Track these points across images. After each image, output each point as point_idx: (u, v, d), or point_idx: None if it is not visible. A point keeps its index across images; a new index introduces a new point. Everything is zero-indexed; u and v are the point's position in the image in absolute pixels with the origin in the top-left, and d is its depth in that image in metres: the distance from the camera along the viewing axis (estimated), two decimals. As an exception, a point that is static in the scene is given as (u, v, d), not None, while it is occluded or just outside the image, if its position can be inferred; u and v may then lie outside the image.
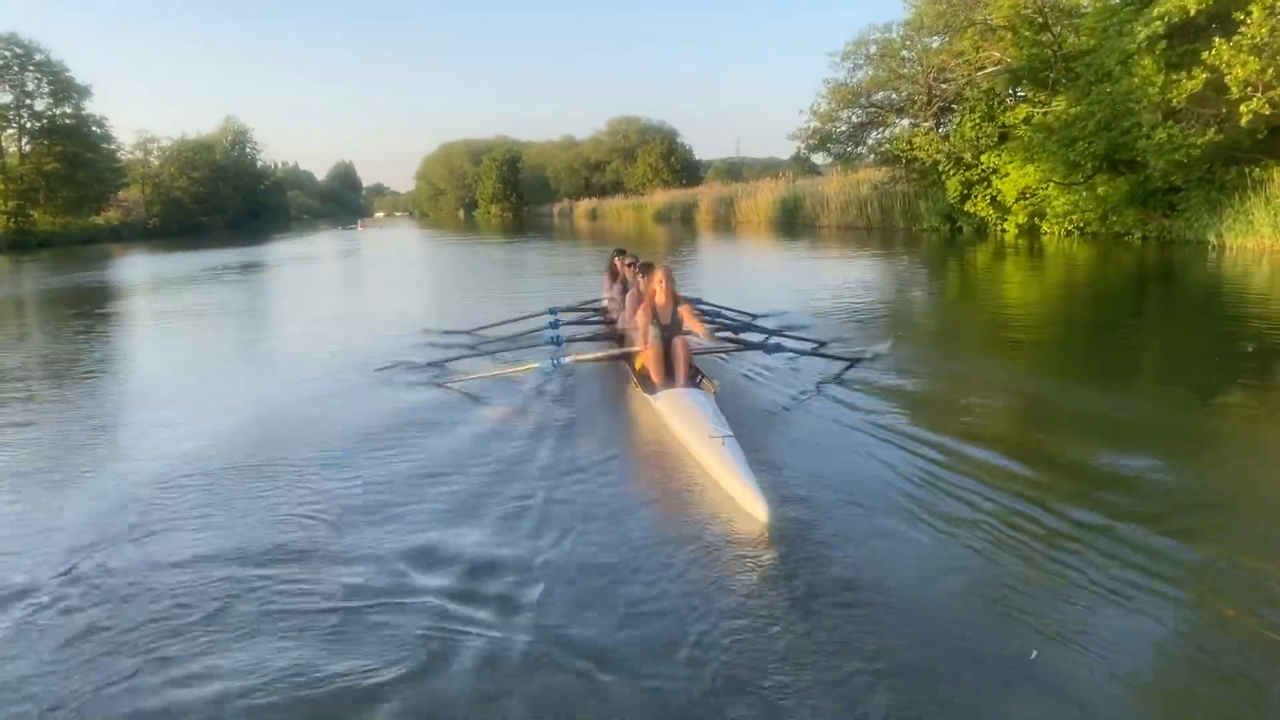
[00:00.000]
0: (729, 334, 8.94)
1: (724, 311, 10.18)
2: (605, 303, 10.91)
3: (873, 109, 30.35)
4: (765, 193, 45.93)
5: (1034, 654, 3.20)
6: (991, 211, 27.39)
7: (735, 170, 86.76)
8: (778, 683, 3.08)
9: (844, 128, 31.33)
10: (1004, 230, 27.56)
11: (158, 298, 20.06)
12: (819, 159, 36.34)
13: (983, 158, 26.69)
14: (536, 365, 7.73)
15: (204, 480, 5.50)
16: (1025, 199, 25.66)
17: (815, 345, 8.71)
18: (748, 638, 3.37)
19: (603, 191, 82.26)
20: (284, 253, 39.21)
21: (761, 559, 4.11)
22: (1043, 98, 25.09)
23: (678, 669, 3.19)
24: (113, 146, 60.14)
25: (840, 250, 27.40)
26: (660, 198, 65.17)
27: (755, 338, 8.73)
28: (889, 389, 7.52)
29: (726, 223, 49.48)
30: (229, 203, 78.60)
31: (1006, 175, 26.22)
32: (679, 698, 3.02)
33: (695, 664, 3.21)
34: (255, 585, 3.95)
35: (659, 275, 7.28)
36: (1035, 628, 3.38)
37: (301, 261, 33.35)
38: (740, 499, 4.61)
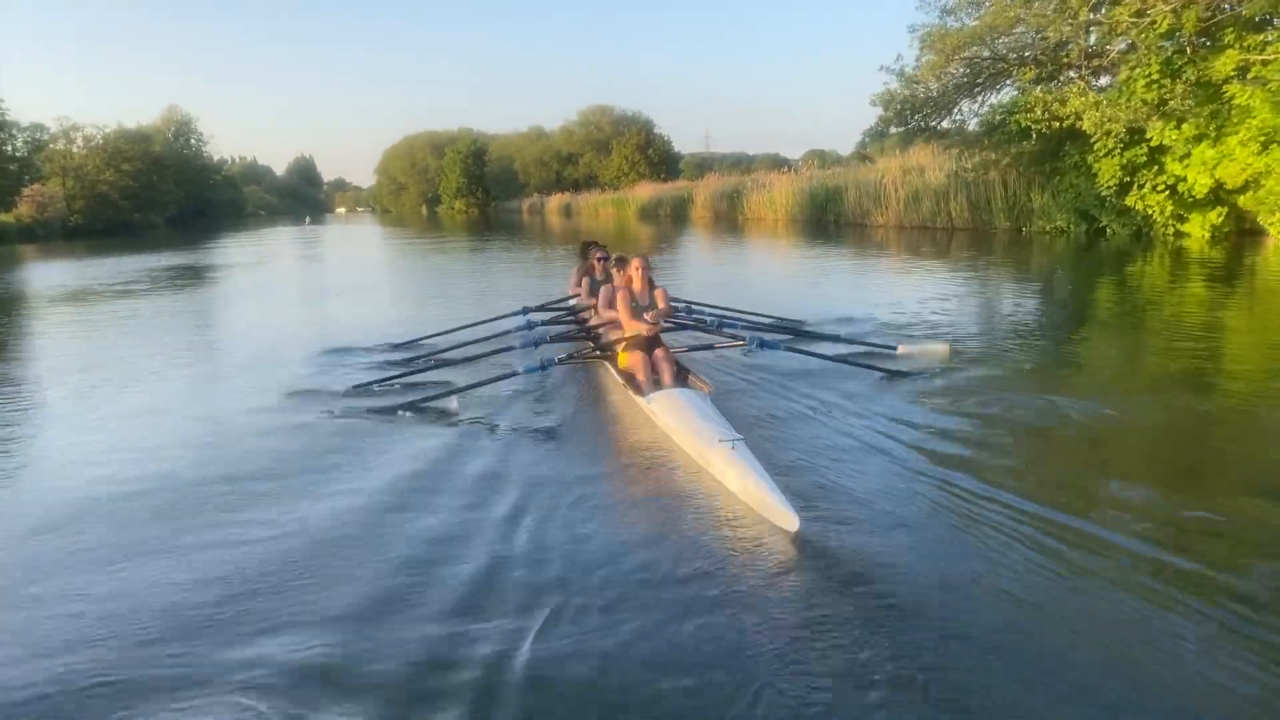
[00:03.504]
0: (709, 331, 7.87)
1: (705, 308, 9.04)
2: (574, 300, 9.57)
3: (992, 63, 19.83)
4: (783, 184, 35.59)
5: None
6: (1170, 206, 17.60)
7: (705, 164, 78.52)
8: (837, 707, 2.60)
9: (932, 91, 20.89)
10: (1180, 233, 17.88)
11: None
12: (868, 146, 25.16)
13: (1152, 131, 16.90)
14: (521, 369, 6.68)
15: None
16: (1245, 188, 15.97)
17: (801, 340, 7.97)
18: (798, 662, 2.87)
19: (575, 186, 71.44)
20: (208, 261, 28.14)
21: (801, 573, 3.51)
22: (1260, 39, 15.46)
23: (726, 694, 2.69)
24: (20, 134, 50.07)
25: (925, 258, 17.55)
26: (645, 191, 54.34)
27: (738, 336, 7.40)
28: (898, 392, 6.43)
29: (731, 220, 39.14)
30: (169, 198, 66.86)
31: (1187, 157, 16.62)
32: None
33: (743, 689, 2.72)
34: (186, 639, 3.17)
35: (635, 263, 6.75)
36: (1090, 645, 2.93)
37: (211, 277, 22.50)
38: (763, 508, 3.98)
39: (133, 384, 8.19)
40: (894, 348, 7.72)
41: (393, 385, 7.09)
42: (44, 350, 10.92)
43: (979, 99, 21.32)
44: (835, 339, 8.17)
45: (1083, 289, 13.36)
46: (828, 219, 31.27)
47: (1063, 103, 17.95)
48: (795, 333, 8.32)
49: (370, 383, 7.10)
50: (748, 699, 2.67)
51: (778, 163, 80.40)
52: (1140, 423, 5.67)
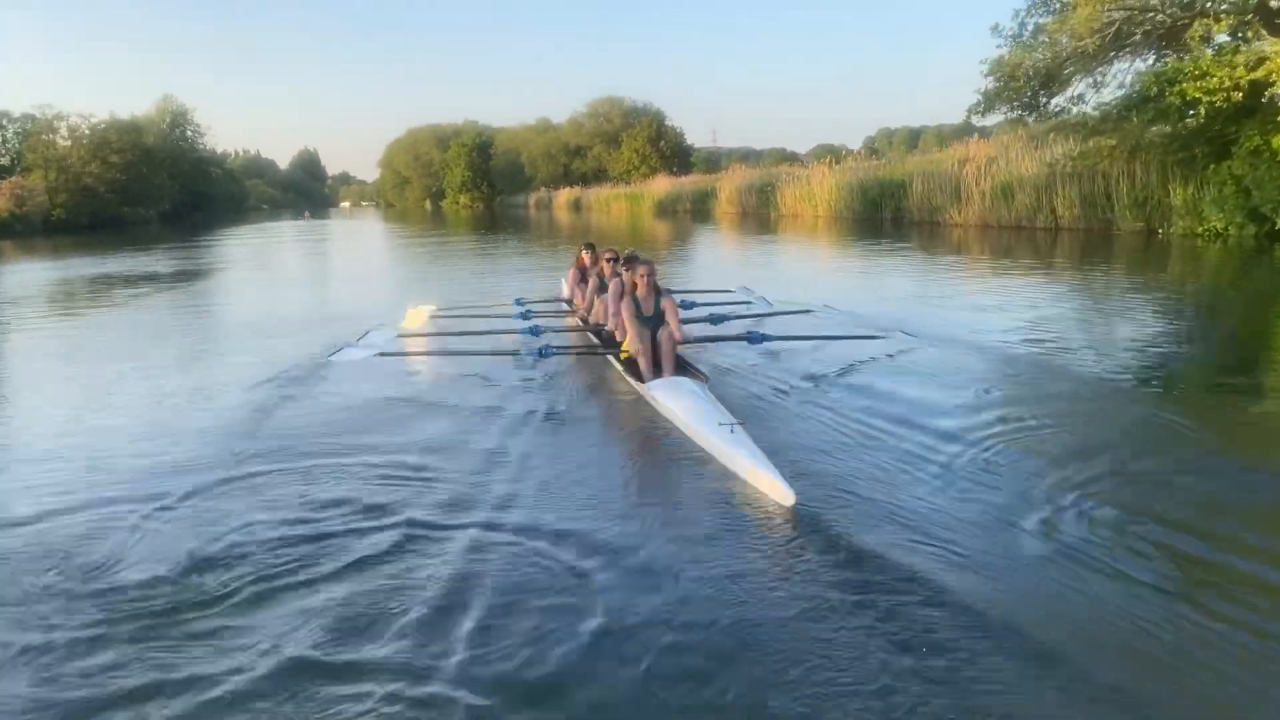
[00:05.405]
0: (707, 325, 7.86)
1: (703, 300, 9.04)
2: (569, 296, 9.59)
3: (1147, 18, 14.70)
4: (824, 177, 30.56)
5: None
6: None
7: (714, 159, 74.01)
8: (834, 677, 2.56)
9: (1043, 60, 15.89)
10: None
11: None
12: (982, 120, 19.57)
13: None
14: (523, 351, 6.68)
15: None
16: None
17: (796, 326, 7.99)
18: (791, 625, 2.87)
19: (584, 180, 66.35)
20: (172, 266, 23.19)
21: (796, 544, 3.53)
22: None
23: (723, 660, 2.68)
24: (11, 124, 45.75)
25: (1045, 269, 12.67)
26: (661, 185, 49.08)
27: (737, 329, 7.65)
28: (881, 373, 6.48)
29: (762, 217, 34.10)
30: (162, 191, 61.89)
31: None
32: (724, 693, 2.51)
33: (740, 655, 2.70)
34: (207, 602, 3.12)
35: (641, 270, 6.37)
36: (1076, 619, 2.86)
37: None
38: (762, 485, 4.07)
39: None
40: (885, 333, 7.52)
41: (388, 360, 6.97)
42: None
43: (1108, 69, 16.32)
44: (827, 323, 8.17)
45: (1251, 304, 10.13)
46: (883, 216, 26.30)
47: (1252, 66, 13.03)
48: (788, 312, 8.51)
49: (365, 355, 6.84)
50: (750, 665, 2.63)
51: (785, 157, 76.28)
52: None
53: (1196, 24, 14.00)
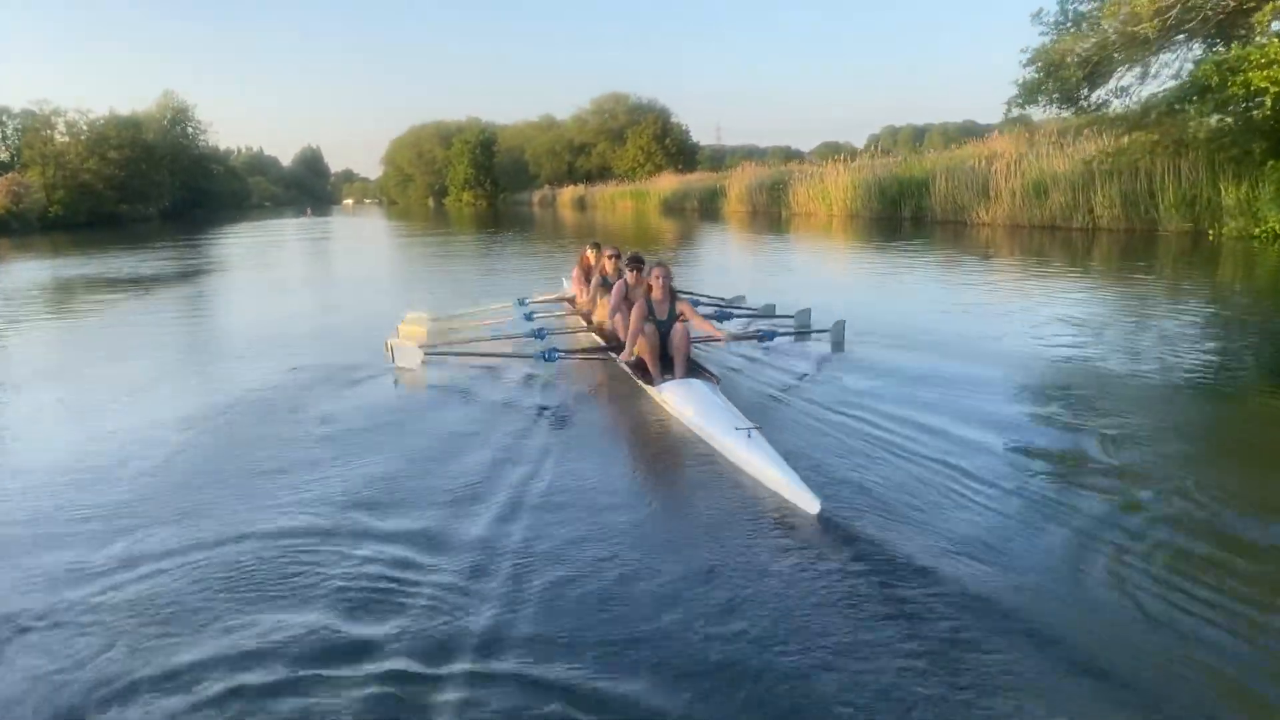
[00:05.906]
0: (715, 323, 7.48)
1: (705, 300, 8.99)
2: (572, 295, 9.45)
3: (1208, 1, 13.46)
4: (838, 175, 29.32)
5: None
6: None
7: (718, 157, 72.93)
8: (860, 690, 2.46)
9: (1089, 48, 14.73)
10: None
11: None
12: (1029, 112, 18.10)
13: None
14: (531, 353, 6.71)
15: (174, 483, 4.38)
16: None
17: (803, 327, 7.90)
18: (831, 644, 2.72)
19: (588, 177, 65.14)
20: (145, 270, 22.07)
21: (824, 555, 3.37)
22: None
23: (751, 672, 2.57)
24: (11, 120, 44.87)
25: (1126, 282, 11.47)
26: (668, 183, 47.86)
27: (745, 328, 7.77)
28: (888, 367, 6.50)
29: (772, 216, 32.88)
30: (162, 188, 60.91)
31: None
32: (748, 703, 2.44)
33: (771, 668, 2.59)
34: (221, 593, 3.16)
35: (656, 272, 6.14)
36: (1110, 627, 2.75)
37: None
38: (785, 492, 3.90)
39: None
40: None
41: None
42: None
43: (1155, 59, 15.11)
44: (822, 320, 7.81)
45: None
46: (902, 215, 25.10)
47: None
48: (797, 317, 8.21)
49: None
50: (779, 679, 2.54)
51: (790, 155, 75.24)
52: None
53: (1267, 7, 12.78)
